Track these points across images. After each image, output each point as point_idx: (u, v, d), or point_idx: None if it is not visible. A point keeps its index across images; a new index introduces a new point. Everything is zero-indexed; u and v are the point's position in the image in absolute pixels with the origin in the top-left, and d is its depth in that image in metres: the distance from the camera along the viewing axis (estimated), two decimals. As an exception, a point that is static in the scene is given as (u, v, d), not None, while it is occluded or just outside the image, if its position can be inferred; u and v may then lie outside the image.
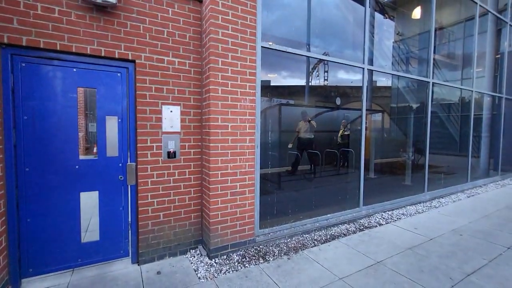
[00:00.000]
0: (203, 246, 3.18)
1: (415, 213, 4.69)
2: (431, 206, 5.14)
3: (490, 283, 2.58)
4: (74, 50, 2.48)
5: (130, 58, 2.73)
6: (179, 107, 2.99)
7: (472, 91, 6.62)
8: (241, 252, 3.12)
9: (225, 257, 3.01)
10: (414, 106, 6.88)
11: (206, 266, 2.83)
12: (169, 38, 2.93)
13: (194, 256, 3.04)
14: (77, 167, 2.58)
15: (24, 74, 2.36)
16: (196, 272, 2.72)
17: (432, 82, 5.54)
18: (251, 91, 3.16)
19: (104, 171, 2.71)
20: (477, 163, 7.48)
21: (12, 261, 2.36)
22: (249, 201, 3.20)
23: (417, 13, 7.13)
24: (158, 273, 2.70)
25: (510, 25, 7.68)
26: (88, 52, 2.54)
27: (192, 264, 2.88)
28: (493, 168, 7.81)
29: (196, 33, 3.10)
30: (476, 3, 6.38)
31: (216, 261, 2.93)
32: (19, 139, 2.36)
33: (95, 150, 2.73)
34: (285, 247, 3.29)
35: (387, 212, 4.65)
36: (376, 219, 4.31)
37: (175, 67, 2.98)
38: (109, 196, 2.75)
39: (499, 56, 7.83)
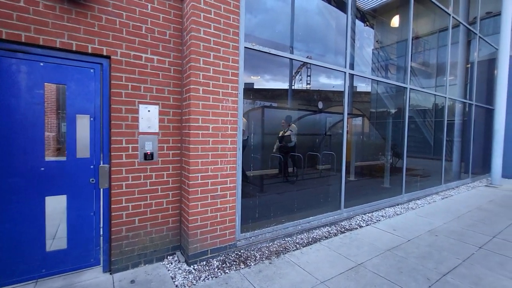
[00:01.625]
0: (181, 252, 3.04)
1: (394, 214, 4.81)
2: (408, 207, 5.30)
3: (465, 282, 2.67)
4: (41, 43, 2.29)
5: (104, 53, 2.57)
6: (157, 106, 2.86)
7: (445, 97, 6.96)
8: (221, 258, 3.02)
9: (204, 263, 2.90)
10: (392, 111, 7.13)
11: (184, 273, 2.70)
12: (147, 35, 2.81)
13: (171, 263, 2.89)
14: (42, 169, 2.38)
15: (-17, 67, 2.15)
16: (173, 280, 2.59)
17: (410, 88, 5.76)
18: (234, 92, 3.09)
19: (74, 173, 2.52)
20: (450, 166, 7.85)
21: (-36, 274, 2.12)
22: (230, 205, 3.11)
23: (395, 21, 7.43)
24: (132, 282, 2.54)
25: (479, 36, 8.20)
26: (58, 45, 2.36)
27: (169, 272, 2.74)
28: (464, 171, 8.24)
29: (177, 31, 2.99)
30: (449, 14, 6.75)
31: (195, 267, 2.81)
32: (-25, 138, 2.14)
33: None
34: (266, 251, 3.23)
35: (367, 214, 4.73)
36: (356, 221, 4.37)
37: (154, 65, 2.85)
38: (79, 200, 2.56)
39: (469, 65, 8.32)
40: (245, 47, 3.22)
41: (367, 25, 8.21)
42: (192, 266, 2.81)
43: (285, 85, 6.05)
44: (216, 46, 2.94)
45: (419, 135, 7.76)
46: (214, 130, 2.95)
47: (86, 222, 2.60)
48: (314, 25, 5.76)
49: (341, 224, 4.22)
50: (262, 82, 5.49)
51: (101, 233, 2.69)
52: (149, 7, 2.81)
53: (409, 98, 5.80)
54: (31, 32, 2.26)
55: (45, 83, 2.39)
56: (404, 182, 5.71)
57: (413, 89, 5.98)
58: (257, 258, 3.05)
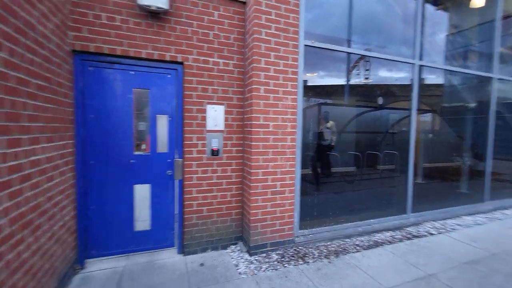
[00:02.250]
0: (243, 243, 3.24)
1: (473, 224, 4.20)
2: (493, 217, 4.56)
3: None
4: (131, 55, 2.71)
5: (179, 60, 2.89)
6: (223, 106, 3.09)
7: (547, 87, 5.71)
8: (280, 252, 3.11)
9: (264, 255, 3.03)
10: (472, 105, 6.17)
11: (246, 263, 2.88)
12: (214, 40, 3.05)
13: (234, 252, 3.11)
14: (132, 161, 2.83)
15: (91, 77, 2.65)
16: (237, 268, 2.78)
17: (497, 78, 4.91)
18: (293, 90, 3.13)
19: (155, 166, 2.92)
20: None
21: (80, 243, 2.67)
22: (289, 201, 3.18)
23: (477, 1, 6.38)
24: (201, 265, 2.82)
25: None
26: (143, 56, 2.76)
27: (233, 260, 2.95)
28: None
29: (240, 34, 3.17)
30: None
31: (256, 258, 2.96)
32: (86, 135, 2.66)
33: (143, 147, 2.94)
34: (325, 250, 3.20)
35: (439, 221, 4.24)
36: (425, 228, 3.96)
37: (220, 68, 3.08)
38: (159, 189, 2.96)
39: None
40: (304, 45, 3.22)
41: (440, 9, 7.25)
42: (253, 257, 2.98)
43: (341, 81, 5.80)
44: (277, 46, 3.02)
45: (509, 133, 6.55)
46: (275, 128, 3.04)
47: (165, 209, 3.00)
48: (375, 14, 5.35)
49: (407, 230, 3.89)
50: (316, 78, 5.38)
51: (176, 219, 3.05)
52: (215, 14, 3.04)
53: (495, 89, 4.95)
54: (124, 46, 2.69)
55: (133, 89, 2.82)
56: (489, 187, 4.92)
57: (502, 79, 5.08)
58: (315, 256, 3.05)
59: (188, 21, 2.93)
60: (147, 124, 2.89)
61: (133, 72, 2.77)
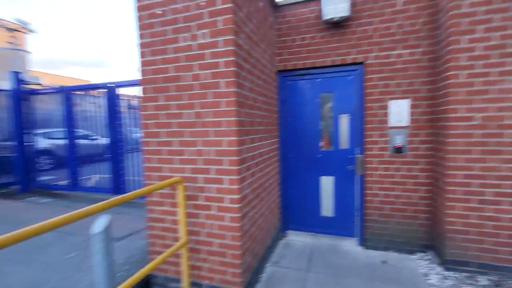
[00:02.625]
0: (435, 253, 2.85)
1: None
2: None
3: None
4: (318, 65, 3.18)
5: (359, 61, 3.03)
6: (408, 100, 2.88)
7: None
8: (493, 278, 2.45)
9: (466, 274, 2.52)
10: None
11: (439, 276, 2.53)
12: (396, 32, 2.90)
13: (422, 260, 2.82)
14: (318, 156, 3.32)
15: (289, 89, 3.39)
16: (425, 278, 2.52)
17: None
18: (517, 68, 2.35)
19: (338, 160, 3.25)
20: None
21: (283, 217, 3.51)
22: (508, 216, 2.42)
23: None
24: (384, 262, 2.81)
25: None
26: (328, 64, 3.14)
27: (420, 268, 2.69)
28: None
29: (428, 16, 2.81)
30: None
31: (453, 275, 2.53)
32: (286, 134, 3.44)
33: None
34: None
35: None
36: None
37: (404, 60, 2.89)
38: (341, 182, 3.26)
39: None
40: (541, 1, 2.31)
41: None
42: (448, 272, 2.56)
43: None
44: (486, 16, 2.40)
45: None
46: (483, 121, 2.44)
47: (346, 200, 3.26)
48: None
49: None
50: None
51: (357, 212, 3.22)
52: (399, 3, 2.88)
53: None
54: (312, 59, 3.20)
55: (320, 94, 3.28)
56: None
57: None
58: None
59: (368, 20, 2.99)
60: (330, 123, 3.27)
61: (319, 80, 3.25)
